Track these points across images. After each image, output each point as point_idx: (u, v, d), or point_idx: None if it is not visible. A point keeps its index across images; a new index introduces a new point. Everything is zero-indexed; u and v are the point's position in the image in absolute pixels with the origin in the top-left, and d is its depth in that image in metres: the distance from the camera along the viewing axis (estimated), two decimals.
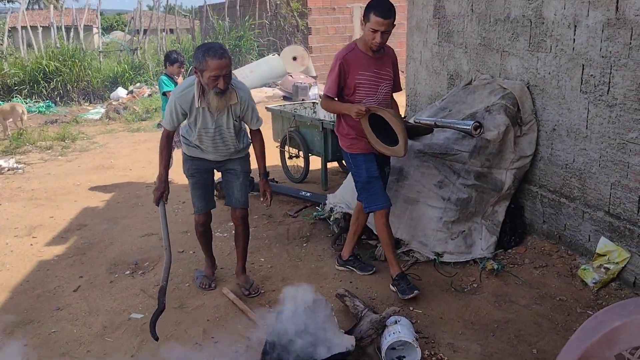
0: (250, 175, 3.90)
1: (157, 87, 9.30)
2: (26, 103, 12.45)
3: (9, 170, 7.49)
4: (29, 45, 14.99)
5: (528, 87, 4.31)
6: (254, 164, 3.79)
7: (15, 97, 12.87)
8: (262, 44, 15.90)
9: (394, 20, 3.46)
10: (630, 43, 3.40)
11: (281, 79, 13.37)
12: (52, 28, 15.03)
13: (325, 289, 3.79)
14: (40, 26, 15.10)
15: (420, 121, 4.22)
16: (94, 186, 6.70)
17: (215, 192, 3.96)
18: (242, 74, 12.85)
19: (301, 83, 12.39)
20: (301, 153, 6.27)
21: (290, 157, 6.52)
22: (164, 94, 5.98)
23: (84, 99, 13.83)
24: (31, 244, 4.92)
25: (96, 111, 12.24)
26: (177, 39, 17.74)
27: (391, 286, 3.73)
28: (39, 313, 3.69)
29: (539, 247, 4.25)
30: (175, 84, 6.00)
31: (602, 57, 3.62)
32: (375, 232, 4.18)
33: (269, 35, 15.96)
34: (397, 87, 3.84)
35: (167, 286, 3.28)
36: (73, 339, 3.37)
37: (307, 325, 2.94)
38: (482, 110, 4.31)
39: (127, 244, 4.80)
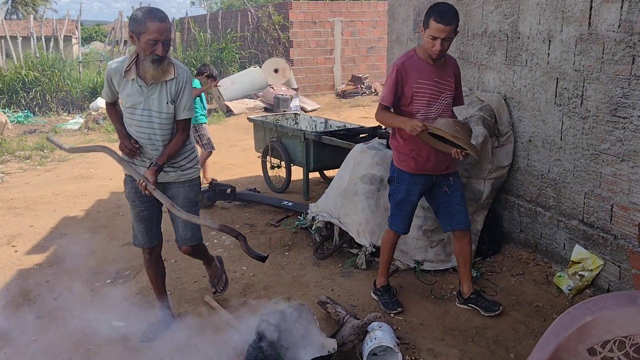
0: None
1: None
2: (5, 113, 12.31)
3: None
4: (8, 55, 14.84)
5: (505, 100, 4.43)
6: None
7: None
8: (244, 56, 15.96)
9: (457, 27, 3.20)
10: (602, 57, 3.52)
11: (262, 91, 13.45)
12: (32, 38, 14.91)
13: (307, 297, 3.82)
14: (20, 36, 14.97)
15: None
16: (74, 195, 6.66)
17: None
18: (224, 86, 12.89)
19: (282, 95, 12.49)
20: (283, 163, 6.32)
21: (272, 168, 6.56)
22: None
23: (62, 109, 13.72)
24: (12, 253, 4.87)
25: (75, 121, 12.16)
26: None
27: (373, 294, 3.78)
28: (19, 322, 3.65)
29: (516, 255, 4.35)
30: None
31: (576, 70, 3.75)
32: (359, 242, 4.26)
33: (251, 48, 16.03)
34: (458, 100, 3.55)
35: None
36: (54, 347, 3.34)
37: (290, 328, 2.97)
38: None
39: (108, 253, 4.77)
